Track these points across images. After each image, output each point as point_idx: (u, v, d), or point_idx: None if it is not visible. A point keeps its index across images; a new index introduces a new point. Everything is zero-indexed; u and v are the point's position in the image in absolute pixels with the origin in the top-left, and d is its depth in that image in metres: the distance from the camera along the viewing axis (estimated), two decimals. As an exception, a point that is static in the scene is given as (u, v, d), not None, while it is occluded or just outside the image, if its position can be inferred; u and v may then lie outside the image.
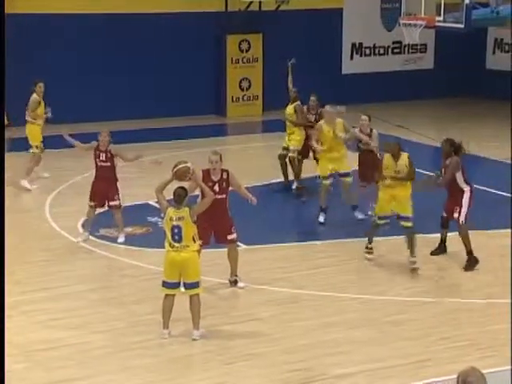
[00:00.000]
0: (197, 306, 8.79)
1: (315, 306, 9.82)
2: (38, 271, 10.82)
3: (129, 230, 12.42)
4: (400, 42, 22.54)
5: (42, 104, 14.74)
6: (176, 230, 8.67)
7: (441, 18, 14.25)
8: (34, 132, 14.81)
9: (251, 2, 20.65)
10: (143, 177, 15.70)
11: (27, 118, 14.78)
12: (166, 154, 16.30)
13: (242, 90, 21.42)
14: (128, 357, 8.49)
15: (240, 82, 21.35)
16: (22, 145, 15.06)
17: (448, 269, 11.07)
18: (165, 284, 8.85)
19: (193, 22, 20.51)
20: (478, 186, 14.66)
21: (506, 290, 10.17)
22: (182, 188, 8.81)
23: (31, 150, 14.88)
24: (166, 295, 8.87)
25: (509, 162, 16.45)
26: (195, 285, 8.77)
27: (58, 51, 19.27)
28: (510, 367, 7.80)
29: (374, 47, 23.04)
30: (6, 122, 12.83)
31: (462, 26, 13.86)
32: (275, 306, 9.81)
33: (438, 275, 10.86)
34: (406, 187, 11.03)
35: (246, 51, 21.33)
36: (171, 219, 8.73)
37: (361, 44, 22.87)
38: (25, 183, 14.68)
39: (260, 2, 20.74)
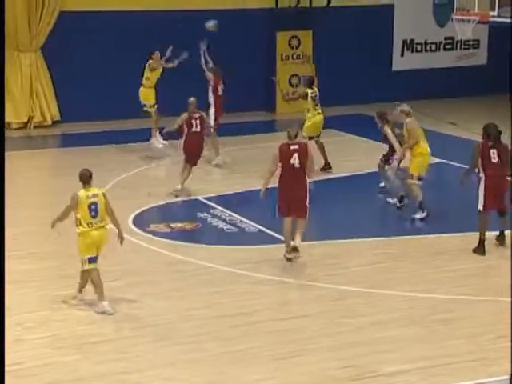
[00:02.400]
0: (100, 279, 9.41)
1: (364, 304, 9.75)
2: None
3: (179, 225, 12.46)
4: (452, 38, 22.24)
5: (157, 71, 16.38)
6: (93, 207, 9.28)
7: (495, 13, 14.05)
8: (146, 95, 16.43)
9: (301, -2, 20.59)
10: (192, 174, 15.76)
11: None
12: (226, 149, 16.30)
13: (292, 86, 21.35)
14: (177, 351, 8.51)
15: (290, 78, 21.29)
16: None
17: (498, 267, 10.89)
18: (91, 260, 9.35)
19: (243, 19, 20.49)
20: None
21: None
22: (85, 169, 9.53)
23: (146, 109, 16.48)
24: (93, 269, 9.37)
25: None
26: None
27: (106, 47, 19.46)
28: None
29: (426, 43, 22.80)
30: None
31: (516, 21, 13.67)
32: (325, 303, 9.76)
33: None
34: None
35: (296, 48, 21.26)
36: (87, 197, 9.29)
37: (412, 40, 22.64)
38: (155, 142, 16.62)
39: (311, -1, 20.67)
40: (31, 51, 19.12)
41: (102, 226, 9.40)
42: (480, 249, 11.33)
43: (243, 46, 20.69)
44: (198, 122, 14.05)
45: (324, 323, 9.18)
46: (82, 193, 9.35)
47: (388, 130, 13.18)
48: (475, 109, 21.00)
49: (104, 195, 9.51)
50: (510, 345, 5.51)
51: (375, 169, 14.93)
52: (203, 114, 14.39)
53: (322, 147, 15.55)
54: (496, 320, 9.20)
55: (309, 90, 15.56)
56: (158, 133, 16.56)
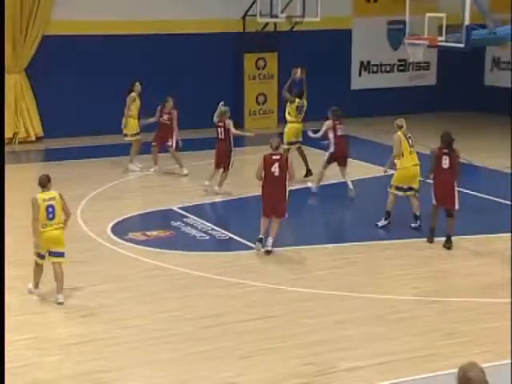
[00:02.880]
0: (61, 273, 9.62)
1: (326, 305, 9.77)
2: (70, 271, 10.81)
3: (154, 233, 12.43)
4: (405, 60, 22.47)
5: (137, 100, 16.39)
6: (50, 209, 9.47)
7: (443, 38, 14.18)
8: (129, 123, 16.43)
9: (267, 24, 20.66)
10: (167, 185, 15.75)
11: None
12: (192, 163, 16.34)
13: (259, 104, 21.45)
14: (153, 351, 8.48)
15: (257, 96, 21.38)
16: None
17: (448, 270, 11.00)
18: (39, 255, 9.64)
19: (214, 42, 20.57)
20: (476, 193, 14.70)
21: (501, 291, 10.10)
22: (44, 174, 9.73)
23: (126, 138, 16.62)
24: (39, 264, 9.68)
25: (506, 171, 16.36)
26: (61, 254, 9.65)
27: (86, 69, 19.42)
28: (506, 361, 7.72)
29: (381, 65, 22.99)
30: None
31: (462, 45, 13.80)
32: (289, 305, 9.78)
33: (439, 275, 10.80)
34: None
35: (263, 68, 21.35)
36: (44, 200, 9.47)
37: (369, 62, 22.83)
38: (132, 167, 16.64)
39: (275, 24, 20.74)
40: (16, 72, 19.00)
41: (59, 228, 9.56)
42: (429, 237, 11.89)
43: (214, 67, 20.77)
44: (222, 130, 14.80)
45: (288, 324, 9.19)
46: (39, 196, 9.52)
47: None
48: (425, 125, 21.19)
49: (61, 196, 9.64)
50: (511, 338, 5.64)
51: (339, 179, 15.06)
52: (228, 122, 14.94)
53: (302, 154, 15.69)
54: (445, 319, 9.29)
55: (297, 99, 15.59)
56: (134, 161, 16.70)
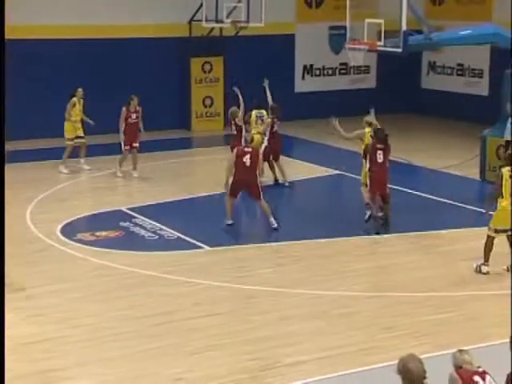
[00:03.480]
0: None
1: (271, 302, 9.83)
2: (20, 272, 10.69)
3: (103, 233, 12.34)
4: (346, 64, 22.69)
5: (78, 106, 16.31)
6: None
7: (381, 43, 14.34)
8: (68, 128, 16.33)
9: (213, 28, 20.67)
10: (116, 186, 15.65)
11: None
12: (140, 165, 16.24)
13: (206, 106, 21.45)
14: (103, 349, 8.43)
15: (203, 99, 21.37)
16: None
17: (389, 266, 11.17)
18: None
19: (161, 47, 20.48)
20: (413, 192, 14.96)
21: (441, 284, 10.30)
22: None
23: (66, 142, 16.35)
24: None
25: (444, 171, 16.67)
26: None
27: (44, 73, 19.19)
28: (444, 352, 7.85)
29: (323, 68, 23.19)
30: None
31: (400, 50, 13.96)
32: (236, 302, 9.82)
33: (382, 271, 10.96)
34: None
35: (209, 72, 21.35)
36: None
37: (311, 65, 23.01)
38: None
39: (221, 28, 20.76)
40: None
41: None
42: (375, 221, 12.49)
43: (161, 71, 20.70)
44: (236, 128, 15.09)
45: (235, 320, 9.23)
46: None
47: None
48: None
49: None
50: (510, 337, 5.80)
51: (282, 180, 15.20)
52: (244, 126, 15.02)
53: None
54: (384, 313, 9.43)
55: (255, 111, 15.67)
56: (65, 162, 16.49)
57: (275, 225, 12.52)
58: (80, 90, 16.40)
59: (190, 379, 7.86)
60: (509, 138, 14.37)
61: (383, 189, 12.49)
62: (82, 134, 16.53)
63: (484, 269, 10.60)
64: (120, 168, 15.99)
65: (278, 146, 15.32)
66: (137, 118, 15.85)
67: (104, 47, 20.01)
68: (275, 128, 15.16)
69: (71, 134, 16.46)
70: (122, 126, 15.82)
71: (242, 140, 13.60)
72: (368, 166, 12.44)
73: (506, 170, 10.49)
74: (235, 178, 12.61)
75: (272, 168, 15.27)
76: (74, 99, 16.36)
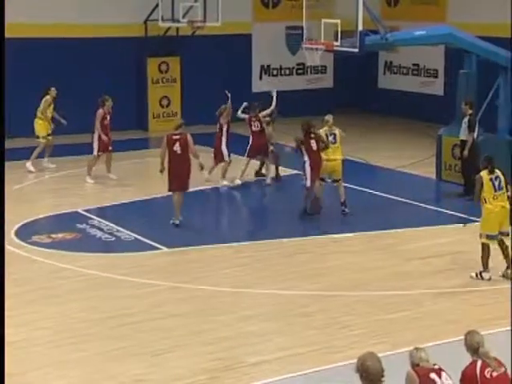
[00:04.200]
0: None
1: (231, 302, 9.91)
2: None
3: (60, 235, 12.30)
4: (303, 64, 22.86)
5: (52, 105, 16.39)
6: None
7: (338, 43, 14.51)
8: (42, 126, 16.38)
9: (169, 28, 20.66)
10: (72, 187, 15.56)
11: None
12: (96, 166, 16.16)
13: (163, 107, 21.44)
14: (62, 352, 8.43)
15: (160, 100, 21.36)
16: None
17: (346, 265, 11.32)
18: None
19: (117, 46, 20.39)
20: (370, 191, 15.17)
21: (397, 283, 10.49)
22: None
23: (38, 140, 16.33)
24: None
25: (400, 169, 16.92)
26: None
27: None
28: (402, 350, 8.02)
29: (281, 68, 23.34)
30: None
31: (356, 50, 14.15)
32: (195, 303, 9.87)
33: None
34: None
35: (166, 72, 21.34)
36: None
37: (269, 66, 23.13)
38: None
39: (177, 28, 20.76)
40: None
41: None
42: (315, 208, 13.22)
43: (117, 71, 20.62)
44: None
45: (195, 321, 9.29)
46: None
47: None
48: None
49: None
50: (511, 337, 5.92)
51: (241, 180, 15.29)
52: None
53: (276, 157, 15.82)
54: (342, 313, 9.57)
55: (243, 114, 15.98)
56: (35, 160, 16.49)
57: (177, 222, 12.60)
58: (53, 89, 16.42)
59: (150, 381, 7.91)
60: (464, 138, 14.66)
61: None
62: (50, 132, 16.56)
63: (486, 275, 10.46)
64: (90, 173, 15.74)
65: (261, 143, 15.40)
66: (110, 118, 15.81)
67: (58, 47, 19.85)
68: (253, 127, 15.26)
69: (44, 132, 16.43)
70: (99, 129, 15.51)
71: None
72: (306, 157, 13.02)
73: (484, 174, 10.43)
74: (169, 170, 12.57)
75: (264, 165, 15.46)
76: (49, 97, 16.38)
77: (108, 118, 15.74)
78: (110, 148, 15.74)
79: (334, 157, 13.44)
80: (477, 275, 10.54)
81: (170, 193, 12.90)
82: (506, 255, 10.56)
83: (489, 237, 10.43)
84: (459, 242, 12.34)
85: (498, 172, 10.48)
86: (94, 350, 8.50)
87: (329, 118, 13.85)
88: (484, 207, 10.47)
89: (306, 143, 13.16)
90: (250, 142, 15.38)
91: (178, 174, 12.53)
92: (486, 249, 10.46)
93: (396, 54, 22.27)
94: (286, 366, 8.19)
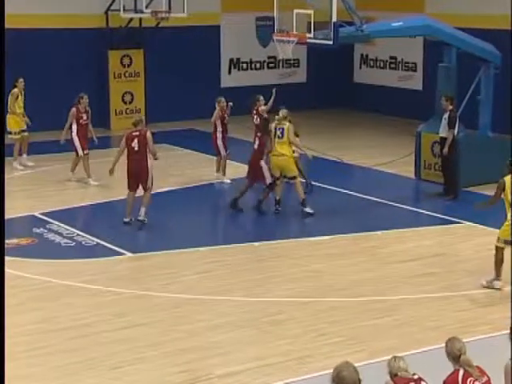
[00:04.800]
0: None
1: (199, 310, 9.85)
2: None
3: (14, 241, 12.14)
4: (275, 57, 22.88)
5: (20, 97, 16.37)
6: None
7: (311, 35, 14.48)
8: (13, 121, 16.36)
9: (132, 19, 20.54)
10: (28, 189, 15.40)
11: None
12: (53, 166, 16.04)
13: (125, 103, 21.29)
14: (18, 366, 8.28)
15: (123, 95, 21.21)
16: None
17: (322, 269, 11.30)
18: None
19: (76, 38, 20.26)
20: (346, 191, 15.18)
21: (375, 288, 10.49)
22: None
23: (10, 136, 16.39)
24: None
25: (377, 168, 16.97)
26: None
27: None
28: (380, 359, 8.01)
29: (251, 62, 23.31)
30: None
31: (330, 42, 14.11)
32: (160, 311, 9.79)
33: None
34: None
35: (128, 66, 21.20)
36: None
37: (238, 59, 23.09)
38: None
39: (140, 19, 20.65)
40: None
41: None
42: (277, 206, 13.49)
43: (76, 65, 20.46)
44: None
45: (160, 331, 9.20)
46: None
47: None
48: (297, 123, 21.66)
49: None
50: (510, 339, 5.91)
51: (208, 181, 15.21)
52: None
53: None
54: (317, 320, 9.54)
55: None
56: (19, 158, 16.54)
57: (141, 217, 12.70)
58: (22, 80, 16.29)
59: (111, 396, 7.82)
60: (444, 135, 14.72)
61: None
62: (25, 127, 16.48)
63: (497, 284, 10.33)
64: (74, 173, 15.61)
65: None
66: (87, 118, 15.51)
67: (13, 39, 19.60)
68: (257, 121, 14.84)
69: (16, 128, 16.36)
70: (75, 128, 15.33)
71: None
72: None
73: (508, 179, 10.15)
74: (128, 168, 12.81)
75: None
76: (16, 90, 16.25)
77: (85, 117, 15.49)
78: (87, 152, 15.51)
79: (281, 151, 13.41)
80: (488, 284, 10.35)
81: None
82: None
83: (506, 242, 10.26)
84: (439, 244, 12.39)
85: None
86: (51, 363, 8.38)
87: (282, 112, 13.72)
88: (510, 212, 10.21)
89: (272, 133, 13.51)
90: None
91: (137, 172, 12.68)
92: (499, 254, 10.29)
93: (372, 47, 22.39)
94: (258, 377, 8.14)
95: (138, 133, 12.71)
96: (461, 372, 5.82)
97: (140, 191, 12.90)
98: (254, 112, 15.11)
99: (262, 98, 15.13)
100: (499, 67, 15.53)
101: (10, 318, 9.43)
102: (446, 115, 14.59)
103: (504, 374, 5.87)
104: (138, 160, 12.64)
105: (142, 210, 12.73)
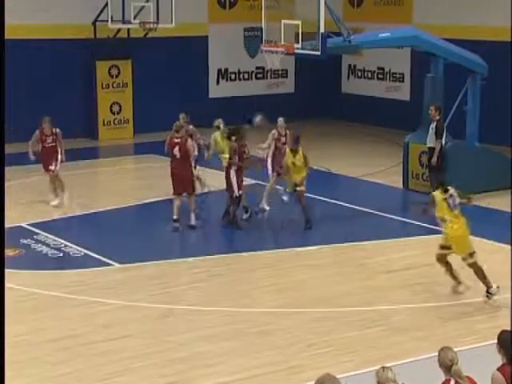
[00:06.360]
0: None
1: (186, 321, 9.82)
2: None
3: (1, 252, 12.06)
4: (263, 68, 22.93)
5: None
6: None
7: (299, 46, 14.53)
8: None
9: (119, 30, 20.54)
10: (15, 200, 15.33)
11: None
12: (41, 177, 15.94)
13: (113, 113, 21.26)
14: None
15: (111, 106, 21.19)
16: None
17: (309, 280, 11.29)
18: None
19: (64, 49, 20.23)
20: (334, 201, 15.19)
21: (363, 298, 10.48)
22: None
23: None
24: None
25: (364, 178, 17.00)
26: None
27: None
28: (368, 369, 7.99)
29: (239, 72, 23.34)
30: None
31: (318, 53, 14.16)
32: (148, 322, 9.75)
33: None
34: None
35: (116, 76, 21.19)
36: None
37: (226, 69, 23.12)
38: None
39: (128, 30, 20.66)
40: None
41: None
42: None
43: (64, 75, 20.43)
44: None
45: (147, 342, 9.16)
46: None
47: None
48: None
49: None
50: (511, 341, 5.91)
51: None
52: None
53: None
54: (305, 330, 9.52)
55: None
56: None
57: (193, 222, 13.13)
58: None
59: (99, 408, 7.77)
60: (431, 145, 14.76)
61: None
62: None
63: (494, 290, 10.12)
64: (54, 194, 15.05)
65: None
66: (53, 141, 14.73)
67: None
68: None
69: None
70: (36, 147, 14.90)
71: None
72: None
73: (437, 194, 10.44)
74: (171, 172, 13.23)
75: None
76: None
77: (50, 139, 14.77)
78: (51, 168, 14.86)
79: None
80: (488, 296, 10.23)
81: (120, 206, 12.79)
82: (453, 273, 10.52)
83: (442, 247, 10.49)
84: (427, 254, 12.38)
85: None
86: (37, 376, 8.33)
87: (218, 123, 14.62)
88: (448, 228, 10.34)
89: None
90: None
91: (180, 178, 13.08)
92: (478, 269, 10.25)
93: (360, 57, 22.46)
94: (246, 388, 8.11)
95: (179, 140, 13.08)
96: (452, 382, 5.80)
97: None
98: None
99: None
100: (486, 78, 15.60)
101: (-4, 330, 9.40)
102: (433, 125, 14.63)
103: (491, 382, 5.86)
104: (179, 166, 13.03)
105: (192, 216, 13.15)
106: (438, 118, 14.57)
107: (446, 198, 10.40)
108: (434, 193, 10.63)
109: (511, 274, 10.48)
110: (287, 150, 13.41)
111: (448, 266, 10.52)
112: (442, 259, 10.53)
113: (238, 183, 13.24)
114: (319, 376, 5.26)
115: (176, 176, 13.16)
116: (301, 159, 13.25)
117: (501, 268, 10.86)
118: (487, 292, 10.26)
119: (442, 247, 10.51)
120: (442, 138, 14.56)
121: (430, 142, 14.74)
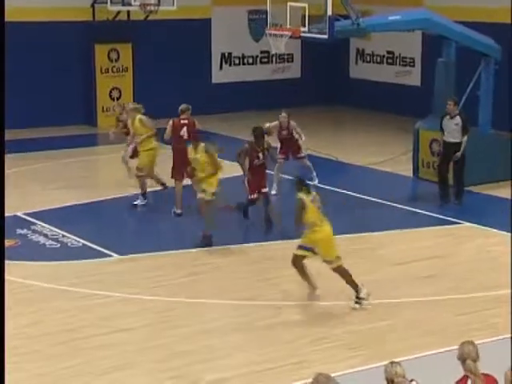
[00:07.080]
0: None
1: (189, 314, 9.84)
2: None
3: (-2, 243, 12.10)
4: (268, 52, 22.87)
5: None
6: None
7: (305, 29, 14.49)
8: None
9: (119, 12, 20.51)
10: (9, 189, 15.35)
11: None
12: (38, 165, 16.00)
13: (113, 99, 21.24)
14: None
15: (110, 91, 21.17)
16: None
17: (318, 273, 11.29)
18: None
19: (61, 32, 20.20)
20: (342, 191, 15.18)
21: (371, 291, 10.48)
22: None
23: None
24: None
25: (373, 166, 16.98)
26: None
27: None
28: (374, 365, 8.02)
29: (243, 57, 23.30)
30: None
31: (325, 36, 14.12)
32: (150, 315, 9.78)
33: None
34: None
35: (116, 60, 21.17)
36: None
37: (230, 54, 23.08)
38: None
39: (128, 12, 20.63)
40: None
41: None
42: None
43: (61, 60, 20.41)
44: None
45: (149, 335, 9.20)
46: None
47: None
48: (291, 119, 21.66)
49: None
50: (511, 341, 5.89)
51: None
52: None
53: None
54: (312, 324, 9.55)
55: None
56: None
57: (179, 211, 13.25)
58: None
59: (98, 403, 7.81)
60: (457, 140, 13.91)
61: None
62: None
63: (362, 293, 9.91)
64: None
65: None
66: None
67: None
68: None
69: None
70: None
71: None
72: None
73: (303, 196, 9.95)
74: (174, 155, 13.12)
75: None
76: None
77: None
78: None
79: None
80: (357, 302, 9.92)
81: (120, 195, 12.78)
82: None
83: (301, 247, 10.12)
84: (437, 245, 12.41)
85: None
86: (36, 370, 8.37)
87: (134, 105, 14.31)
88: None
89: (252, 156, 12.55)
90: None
91: (184, 160, 12.61)
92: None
93: (369, 41, 22.40)
94: (251, 383, 8.13)
95: (186, 121, 13.12)
96: (469, 382, 5.78)
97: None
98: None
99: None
100: (499, 62, 15.54)
101: (-8, 323, 9.44)
102: (457, 120, 14.05)
103: (504, 381, 5.86)
104: (185, 149, 12.63)
105: (178, 206, 13.25)
106: (457, 112, 14.15)
107: (312, 200, 9.99)
108: (299, 196, 9.97)
109: (511, 269, 10.51)
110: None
111: (303, 269, 10.13)
112: (299, 261, 10.08)
113: (253, 185, 12.66)
114: (314, 375, 5.30)
115: (183, 157, 12.53)
116: (203, 156, 12.10)
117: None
118: (357, 297, 9.95)
119: (302, 248, 10.04)
120: (468, 132, 14.11)
121: (454, 137, 14.17)
